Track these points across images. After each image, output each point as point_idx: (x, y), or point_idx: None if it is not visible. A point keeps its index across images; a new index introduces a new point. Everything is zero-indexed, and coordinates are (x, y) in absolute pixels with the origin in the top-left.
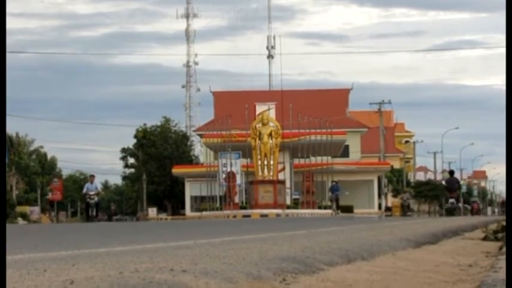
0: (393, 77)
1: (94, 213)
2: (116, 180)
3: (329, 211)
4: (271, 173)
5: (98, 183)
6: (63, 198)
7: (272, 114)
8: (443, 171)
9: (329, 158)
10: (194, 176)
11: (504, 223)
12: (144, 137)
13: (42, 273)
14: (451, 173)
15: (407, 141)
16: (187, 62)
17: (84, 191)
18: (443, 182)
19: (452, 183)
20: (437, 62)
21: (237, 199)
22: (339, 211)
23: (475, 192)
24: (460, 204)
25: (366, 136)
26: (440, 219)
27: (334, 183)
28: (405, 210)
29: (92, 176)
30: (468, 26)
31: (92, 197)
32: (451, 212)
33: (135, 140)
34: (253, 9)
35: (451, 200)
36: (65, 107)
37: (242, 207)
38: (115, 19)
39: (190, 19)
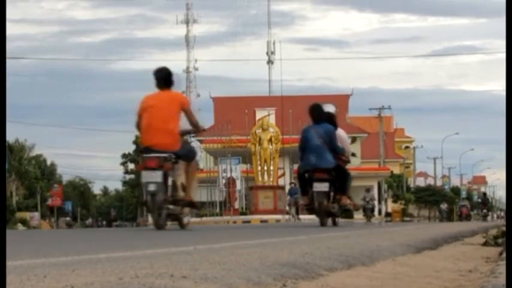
0: (393, 83)
1: None
2: (116, 185)
3: (286, 217)
4: (271, 179)
5: None
6: (63, 204)
7: (272, 119)
8: (443, 176)
9: None
10: None
11: (504, 228)
12: None
13: (42, 279)
14: (484, 194)
15: (407, 147)
16: (187, 67)
17: None
18: (479, 200)
19: (485, 199)
20: (437, 67)
21: (237, 205)
22: (299, 217)
23: (464, 194)
24: (490, 213)
25: (366, 141)
26: (440, 225)
27: (292, 185)
28: (368, 214)
29: None
30: (467, 32)
31: None
32: (484, 217)
33: (134, 146)
34: (253, 15)
35: (484, 211)
36: (64, 113)
37: (242, 213)
38: (114, 25)
39: (190, 25)
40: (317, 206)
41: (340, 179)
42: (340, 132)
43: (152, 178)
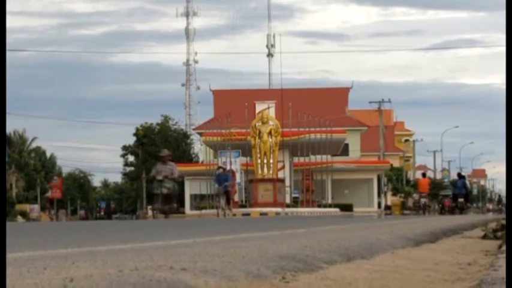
0: (393, 76)
1: None
2: (116, 178)
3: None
4: (270, 172)
5: None
6: (63, 196)
7: (272, 112)
8: (442, 169)
9: (329, 156)
10: (194, 175)
11: (504, 222)
12: (145, 136)
13: (42, 271)
14: (499, 195)
15: (407, 140)
16: (187, 60)
17: None
18: (496, 199)
19: (500, 199)
20: (437, 60)
21: (236, 198)
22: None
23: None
24: (503, 208)
25: (366, 135)
26: (439, 218)
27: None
28: (223, 210)
29: None
30: (467, 25)
31: None
32: (500, 211)
33: (134, 139)
34: (253, 8)
35: (500, 206)
36: (64, 106)
37: (242, 206)
38: (114, 18)
39: (190, 18)
40: (459, 206)
41: (467, 197)
42: (467, 181)
43: (423, 199)
